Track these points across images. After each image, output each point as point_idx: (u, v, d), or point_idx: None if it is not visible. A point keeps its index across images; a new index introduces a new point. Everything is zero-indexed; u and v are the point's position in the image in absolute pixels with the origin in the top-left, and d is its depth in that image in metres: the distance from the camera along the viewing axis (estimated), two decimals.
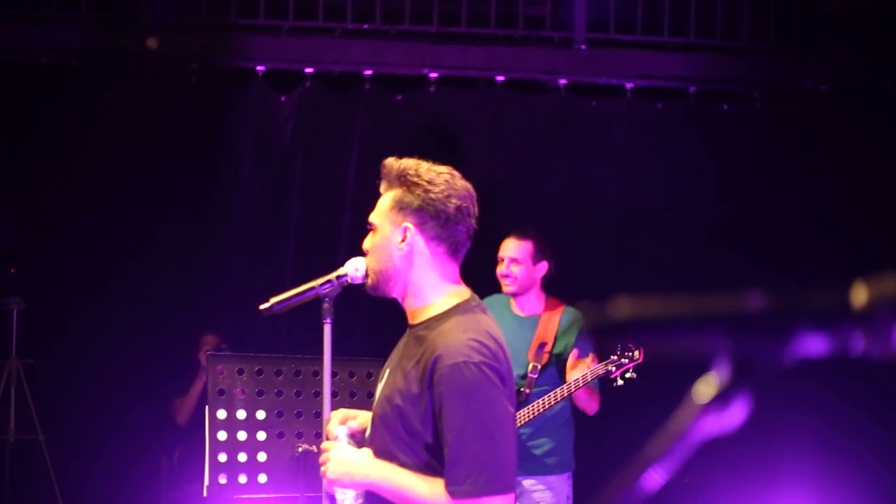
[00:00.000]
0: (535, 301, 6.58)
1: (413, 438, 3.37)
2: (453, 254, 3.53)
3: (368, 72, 8.47)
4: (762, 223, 8.37)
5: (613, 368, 6.15)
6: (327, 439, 3.61)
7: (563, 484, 6.47)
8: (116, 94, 8.19)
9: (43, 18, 8.32)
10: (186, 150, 8.23)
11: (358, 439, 3.58)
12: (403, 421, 3.37)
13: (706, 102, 8.68)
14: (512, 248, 6.48)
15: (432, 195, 3.47)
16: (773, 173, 8.53)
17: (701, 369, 1.35)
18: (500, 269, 6.48)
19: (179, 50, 8.29)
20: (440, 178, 3.50)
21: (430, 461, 3.35)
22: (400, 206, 3.50)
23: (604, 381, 6.29)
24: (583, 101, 8.67)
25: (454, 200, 3.48)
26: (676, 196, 8.49)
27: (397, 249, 3.50)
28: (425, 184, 3.48)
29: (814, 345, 1.29)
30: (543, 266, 6.52)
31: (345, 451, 3.49)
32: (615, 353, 6.19)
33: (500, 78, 8.59)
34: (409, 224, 3.48)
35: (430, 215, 3.47)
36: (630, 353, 6.14)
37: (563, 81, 8.61)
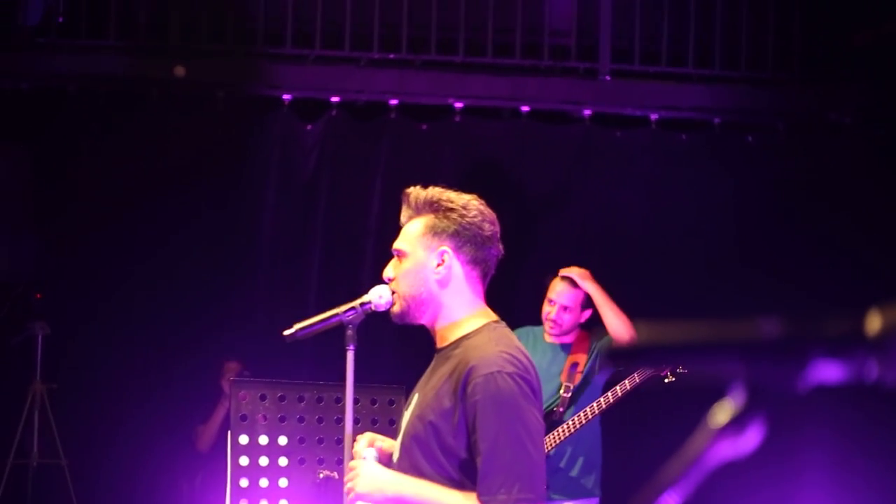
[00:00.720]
0: (570, 333, 6.60)
1: (446, 455, 3.38)
2: (484, 277, 3.60)
3: (394, 101, 8.51)
4: (784, 254, 8.35)
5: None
6: (353, 459, 3.62)
7: None
8: (143, 122, 8.26)
9: (72, 47, 8.39)
10: (211, 178, 8.27)
11: (383, 463, 3.59)
12: (437, 437, 3.39)
13: (730, 134, 8.69)
14: (566, 296, 6.49)
15: (468, 220, 3.54)
16: (796, 205, 8.52)
17: (717, 395, 1.36)
18: (549, 313, 6.49)
19: (206, 78, 8.35)
20: (471, 203, 3.59)
21: (463, 479, 3.36)
22: (434, 232, 3.55)
23: (652, 388, 6.26)
24: (607, 131, 8.70)
25: (487, 225, 3.57)
26: (700, 227, 8.49)
27: (434, 274, 3.54)
28: (460, 209, 3.55)
29: (828, 372, 1.30)
30: (588, 313, 6.54)
31: (374, 466, 3.51)
32: None
33: (525, 108, 8.63)
34: (447, 248, 3.54)
35: (466, 239, 3.54)
36: None
37: (587, 112, 8.64)
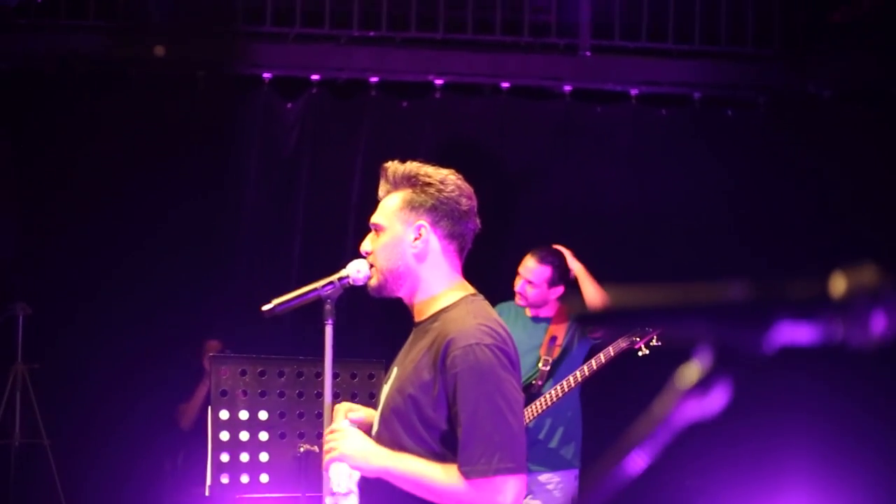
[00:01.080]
0: (548, 308, 6.64)
1: (426, 427, 3.40)
2: (461, 252, 3.62)
3: (374, 79, 8.50)
4: (764, 226, 8.37)
5: (637, 338, 6.21)
6: (331, 431, 3.63)
7: (574, 481, 6.51)
8: (123, 102, 8.23)
9: (51, 27, 8.36)
10: (192, 157, 8.26)
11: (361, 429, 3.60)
12: (417, 410, 3.40)
13: (710, 108, 8.70)
14: (530, 271, 6.55)
15: (445, 194, 3.55)
16: (776, 178, 8.54)
17: (684, 357, 1.38)
18: (517, 285, 6.56)
19: (186, 57, 8.33)
20: (449, 178, 3.60)
21: (444, 451, 3.38)
22: (412, 206, 3.56)
23: (627, 356, 6.30)
24: (588, 107, 8.70)
25: (464, 199, 3.58)
26: (680, 201, 8.50)
27: (411, 248, 3.55)
28: (437, 183, 3.56)
29: (794, 334, 1.31)
30: (559, 290, 6.57)
31: (363, 437, 3.52)
32: None
33: (505, 84, 8.62)
34: (424, 222, 3.55)
35: (443, 213, 3.55)
36: None
37: (567, 88, 8.64)
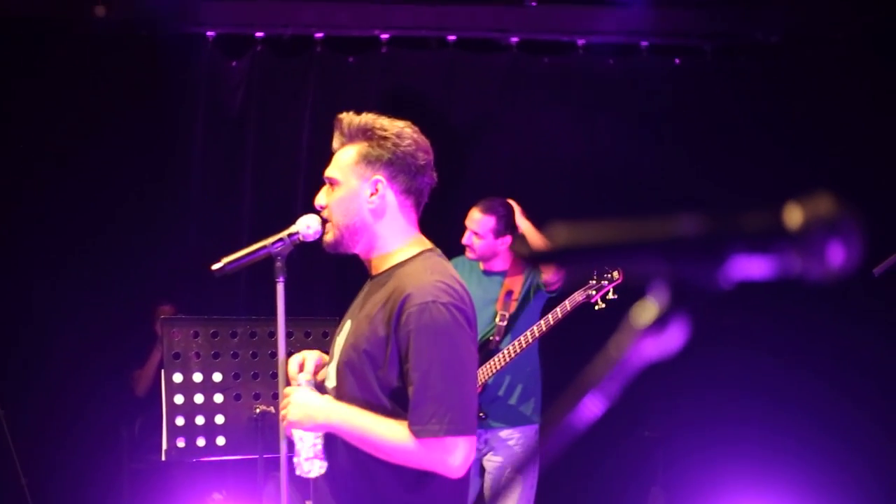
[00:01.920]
0: (501, 260, 6.62)
1: (379, 383, 3.36)
2: (418, 206, 3.58)
3: (319, 35, 8.42)
4: (714, 175, 8.36)
5: (593, 292, 6.20)
6: (287, 385, 3.59)
7: (534, 437, 6.50)
8: (64, 64, 8.11)
9: None
10: (137, 119, 8.17)
11: (313, 383, 3.56)
12: (371, 365, 3.36)
13: (658, 57, 8.67)
14: (475, 222, 6.53)
15: (402, 148, 3.49)
16: (725, 126, 8.54)
17: (638, 294, 1.35)
18: (464, 238, 6.53)
19: (128, 17, 8.20)
20: (405, 131, 3.53)
21: (395, 407, 3.34)
22: (368, 160, 3.50)
23: (585, 308, 6.30)
24: (535, 58, 8.65)
25: (421, 154, 3.53)
26: (629, 150, 8.49)
27: (368, 203, 3.50)
28: (394, 137, 3.50)
29: (750, 267, 1.28)
30: (507, 239, 6.54)
31: (306, 394, 3.48)
32: (592, 278, 6.25)
33: (452, 37, 8.56)
34: (380, 177, 3.50)
35: (400, 168, 3.50)
36: (608, 275, 6.20)
37: (514, 39, 8.59)
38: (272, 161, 8.46)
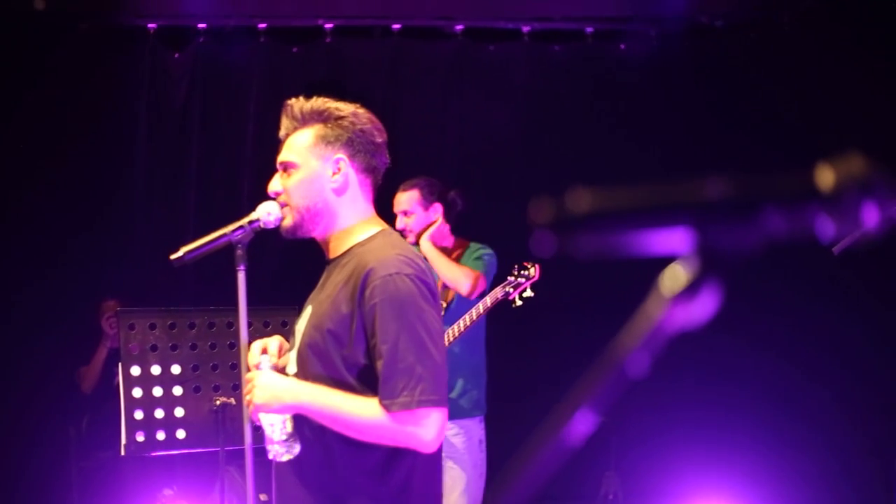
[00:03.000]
0: (444, 239, 6.57)
1: (344, 362, 3.31)
2: (374, 186, 3.56)
3: (263, 25, 8.33)
4: (661, 162, 8.36)
5: (511, 290, 6.18)
6: (248, 370, 3.52)
7: (476, 427, 6.45)
8: (3, 56, 7.96)
9: None
10: (79, 112, 8.04)
11: (276, 367, 3.49)
12: (335, 344, 3.31)
13: (603, 43, 8.65)
14: (400, 203, 6.51)
15: (359, 127, 3.50)
16: (670, 110, 8.54)
17: (665, 261, 1.30)
18: (398, 224, 6.48)
19: (67, 9, 8.07)
20: (360, 111, 3.55)
21: (362, 386, 3.29)
22: (327, 141, 3.48)
23: (505, 305, 6.28)
24: (480, 46, 8.61)
25: (377, 132, 3.54)
26: (577, 138, 8.48)
27: (330, 182, 3.47)
28: (350, 116, 3.51)
29: (780, 229, 1.24)
30: (437, 207, 6.51)
31: (270, 376, 3.41)
32: (511, 274, 6.22)
33: (397, 26, 8.49)
34: (342, 156, 3.47)
35: (359, 147, 3.50)
36: (526, 272, 6.17)
37: (459, 27, 8.53)
38: (217, 152, 8.38)
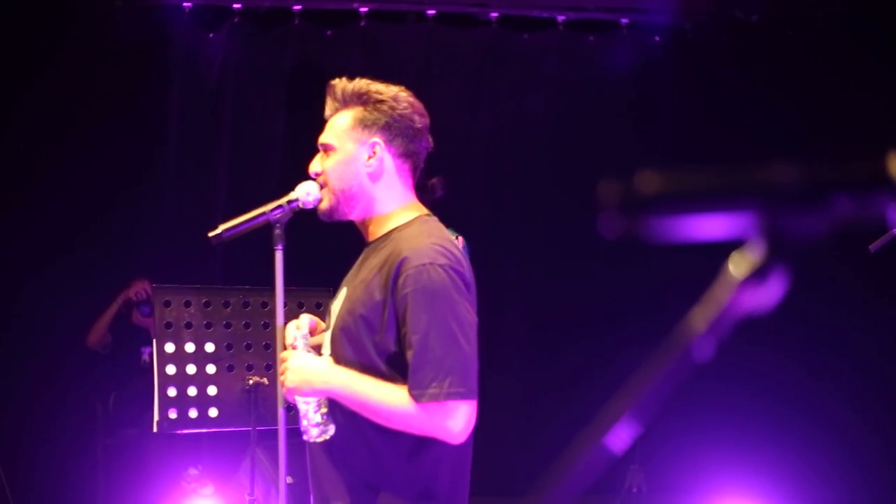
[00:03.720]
0: None
1: (375, 348, 3.30)
2: (414, 171, 3.54)
3: (297, 7, 8.32)
4: (693, 154, 8.34)
5: None
6: (284, 348, 3.52)
7: None
8: (40, 34, 7.98)
9: None
10: (114, 89, 8.05)
11: (309, 340, 3.50)
12: (367, 329, 3.31)
13: (637, 34, 8.63)
14: None
15: (398, 111, 3.48)
16: (703, 105, 8.52)
17: (733, 245, 1.30)
18: None
19: None
20: (401, 94, 3.54)
21: (393, 373, 3.29)
22: (364, 124, 3.47)
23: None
24: (514, 34, 8.59)
25: (417, 117, 3.52)
26: (608, 129, 8.46)
27: (365, 167, 3.46)
28: (390, 100, 3.49)
29: (849, 216, 1.24)
30: None
31: (303, 358, 3.41)
32: None
33: (431, 12, 8.48)
34: (378, 140, 3.46)
35: (398, 131, 3.48)
36: None
37: (494, 15, 8.52)
38: (248, 133, 8.38)
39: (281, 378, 3.42)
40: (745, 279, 1.26)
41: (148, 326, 7.88)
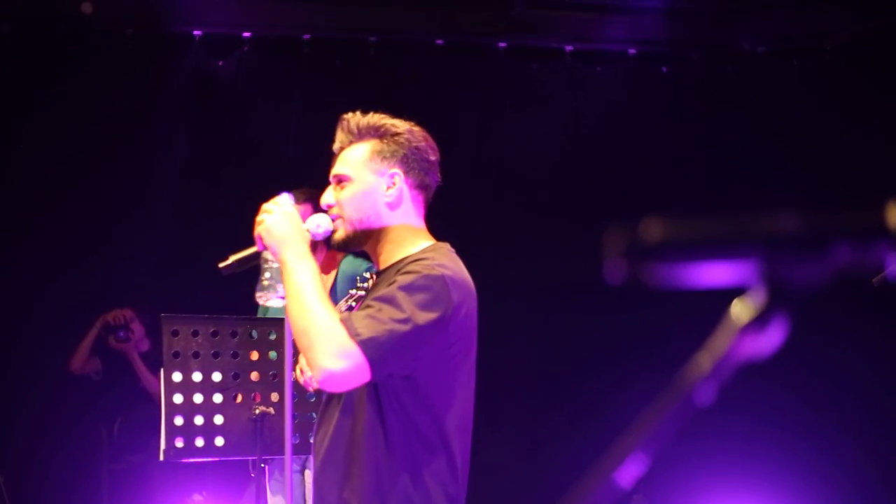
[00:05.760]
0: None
1: None
2: (426, 203, 3.57)
3: (307, 36, 8.37)
4: (702, 184, 8.38)
5: (353, 304, 5.94)
6: (292, 379, 3.56)
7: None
8: (50, 61, 8.03)
9: None
10: (122, 116, 8.09)
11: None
12: None
13: (645, 65, 8.67)
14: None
15: (415, 144, 3.53)
16: (712, 135, 8.55)
17: (735, 292, 1.33)
18: None
19: (114, 15, 8.14)
20: (415, 129, 3.58)
21: (405, 387, 3.31)
22: (383, 156, 3.50)
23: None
24: (522, 64, 8.63)
25: (431, 151, 3.58)
26: (615, 159, 8.49)
27: (385, 197, 3.49)
28: (406, 133, 3.54)
29: (848, 265, 1.27)
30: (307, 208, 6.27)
31: (290, 218, 3.44)
32: (354, 287, 5.98)
33: (440, 41, 8.52)
34: (397, 171, 3.49)
35: (414, 164, 3.52)
36: (366, 283, 5.95)
37: (502, 45, 8.56)
38: (256, 161, 8.39)
39: (259, 218, 3.46)
40: (747, 325, 1.29)
41: (125, 351, 7.93)
